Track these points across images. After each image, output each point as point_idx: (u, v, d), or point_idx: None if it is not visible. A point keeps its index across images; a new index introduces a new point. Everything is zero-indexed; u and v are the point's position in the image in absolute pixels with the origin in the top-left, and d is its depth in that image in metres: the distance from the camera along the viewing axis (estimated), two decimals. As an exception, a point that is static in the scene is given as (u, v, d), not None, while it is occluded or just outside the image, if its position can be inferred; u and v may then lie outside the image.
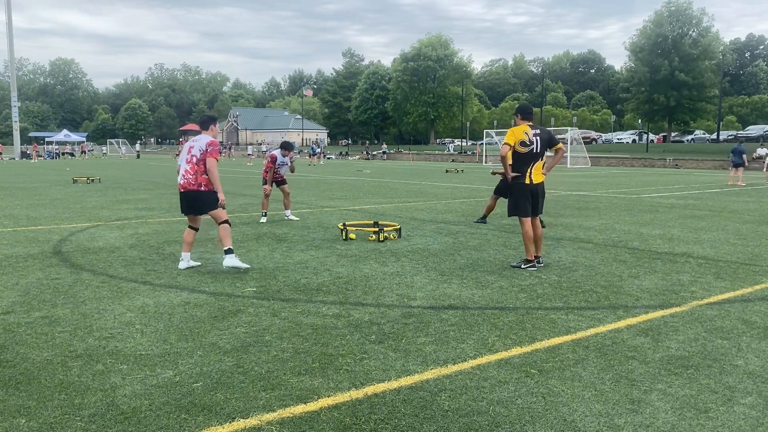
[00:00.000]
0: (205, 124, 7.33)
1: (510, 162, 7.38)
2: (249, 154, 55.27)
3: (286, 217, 12.06)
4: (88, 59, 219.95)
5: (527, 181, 7.35)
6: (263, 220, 11.79)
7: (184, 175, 7.07)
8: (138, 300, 5.87)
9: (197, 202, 7.06)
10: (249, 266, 7.23)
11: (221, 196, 7.10)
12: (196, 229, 7.34)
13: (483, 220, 11.72)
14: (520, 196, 7.39)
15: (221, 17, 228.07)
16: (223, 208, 7.18)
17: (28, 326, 5.03)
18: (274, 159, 12.28)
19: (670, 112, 66.66)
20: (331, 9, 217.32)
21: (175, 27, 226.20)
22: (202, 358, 4.34)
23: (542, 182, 7.52)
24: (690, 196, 17.82)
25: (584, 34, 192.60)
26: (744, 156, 24.20)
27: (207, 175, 6.96)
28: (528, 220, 7.40)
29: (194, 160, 7.01)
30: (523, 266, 7.36)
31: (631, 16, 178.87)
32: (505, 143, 7.37)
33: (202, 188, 6.97)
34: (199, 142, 7.09)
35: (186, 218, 7.44)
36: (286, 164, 12.63)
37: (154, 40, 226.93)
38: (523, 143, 7.29)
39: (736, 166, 24.10)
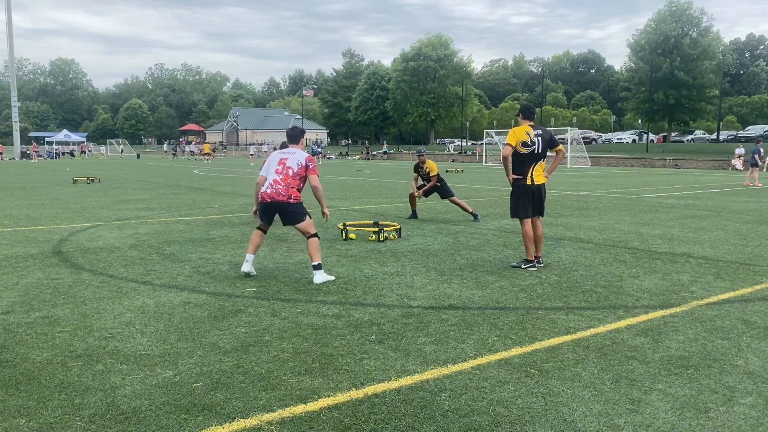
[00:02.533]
0: (296, 138, 7.14)
1: (510, 163, 7.37)
2: (251, 154, 55.03)
3: None
4: (90, 59, 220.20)
5: (528, 182, 7.34)
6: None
7: (272, 185, 6.79)
8: (138, 300, 5.87)
9: (285, 214, 6.84)
10: (334, 278, 6.91)
11: (326, 210, 7.12)
12: (265, 232, 7.10)
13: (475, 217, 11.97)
14: (521, 198, 7.39)
15: (225, 17, 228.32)
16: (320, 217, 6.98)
17: (28, 326, 5.03)
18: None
19: (670, 111, 66.67)
20: (335, 9, 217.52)
21: (179, 27, 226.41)
22: (202, 358, 4.34)
23: (543, 183, 7.51)
24: (690, 196, 17.82)
25: (587, 34, 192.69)
26: (756, 156, 24.09)
27: (298, 191, 6.85)
28: (528, 221, 7.40)
29: (290, 172, 6.80)
30: (523, 266, 7.37)
31: (634, 16, 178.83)
32: (507, 144, 7.35)
33: (292, 200, 6.79)
34: (296, 156, 6.89)
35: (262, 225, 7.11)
36: None
37: (157, 40, 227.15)
38: (524, 144, 7.27)
39: (753, 165, 24.04)
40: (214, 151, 69.53)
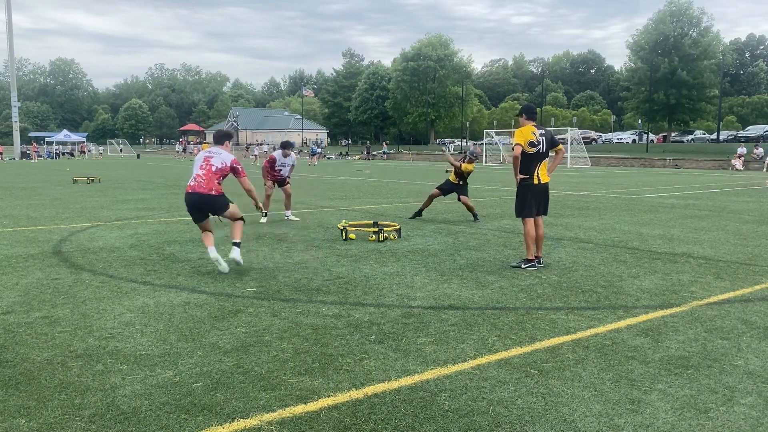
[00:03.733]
0: (221, 140, 7.60)
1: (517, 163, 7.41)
2: (255, 154, 53.68)
3: (286, 218, 12.01)
4: (90, 59, 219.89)
5: (535, 182, 7.40)
6: (263, 220, 11.76)
7: (195, 178, 7.23)
8: (138, 300, 5.87)
9: (210, 205, 7.24)
10: (244, 263, 7.37)
11: (260, 205, 8.05)
12: (210, 231, 7.38)
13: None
14: (528, 197, 7.44)
15: (226, 17, 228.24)
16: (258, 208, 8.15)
17: (28, 326, 5.03)
18: (272, 161, 12.19)
19: (670, 111, 66.67)
20: (336, 9, 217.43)
21: (180, 27, 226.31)
22: (202, 358, 4.34)
23: (548, 182, 7.58)
24: (690, 196, 17.82)
25: (588, 34, 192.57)
26: None
27: (220, 185, 7.29)
28: (531, 221, 7.43)
29: (213, 169, 7.26)
30: (523, 266, 7.37)
31: (635, 16, 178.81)
32: (517, 143, 7.40)
33: (213, 192, 7.19)
34: (221, 156, 7.36)
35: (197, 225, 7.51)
36: (288, 165, 12.41)
37: (157, 40, 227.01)
38: (531, 143, 7.35)
39: None
40: None
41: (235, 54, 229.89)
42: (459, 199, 12.29)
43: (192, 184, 7.26)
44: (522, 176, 7.41)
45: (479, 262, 7.76)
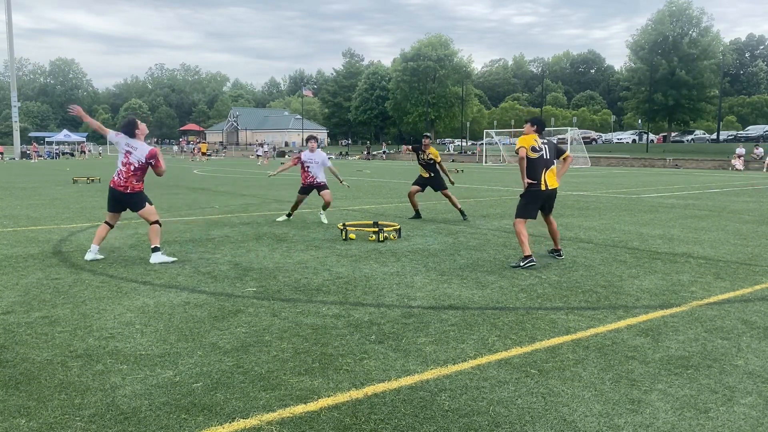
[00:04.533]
0: (129, 129, 7.71)
1: (525, 167, 7.65)
2: (259, 155, 52.71)
3: (319, 217, 11.60)
4: (90, 59, 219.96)
5: (543, 188, 7.66)
6: (281, 219, 11.60)
7: (117, 174, 7.66)
8: (138, 300, 5.87)
9: (127, 202, 7.71)
10: (176, 258, 7.79)
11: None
12: (112, 227, 7.90)
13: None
14: (531, 201, 7.72)
15: (226, 17, 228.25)
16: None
17: (28, 326, 5.03)
18: (300, 160, 11.43)
19: (670, 111, 66.67)
20: (336, 9, 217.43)
21: (181, 27, 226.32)
22: (202, 358, 4.34)
23: (556, 188, 7.83)
24: (690, 196, 17.82)
25: (589, 34, 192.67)
26: None
27: (138, 181, 7.64)
28: (524, 222, 7.63)
29: (131, 168, 7.62)
30: (522, 264, 7.40)
31: (635, 16, 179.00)
32: (521, 147, 7.65)
33: (128, 191, 7.62)
34: (138, 152, 7.62)
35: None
36: (316, 162, 11.34)
37: (157, 40, 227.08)
38: (533, 149, 7.64)
39: None
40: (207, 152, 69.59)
41: (235, 54, 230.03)
42: (442, 193, 12.37)
43: (114, 179, 7.68)
44: (530, 181, 7.61)
45: (479, 262, 7.76)
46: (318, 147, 11.68)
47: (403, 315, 5.41)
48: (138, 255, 8.14)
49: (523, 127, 8.21)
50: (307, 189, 11.63)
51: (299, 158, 11.57)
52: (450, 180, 12.61)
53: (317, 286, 6.44)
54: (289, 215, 11.77)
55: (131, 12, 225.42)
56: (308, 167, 11.47)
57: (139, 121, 7.86)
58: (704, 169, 38.75)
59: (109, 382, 3.88)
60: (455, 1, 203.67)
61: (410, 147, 12.59)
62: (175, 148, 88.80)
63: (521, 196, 7.81)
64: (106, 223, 7.81)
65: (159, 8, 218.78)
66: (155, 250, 7.65)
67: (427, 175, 12.25)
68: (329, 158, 11.94)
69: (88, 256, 7.74)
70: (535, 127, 7.85)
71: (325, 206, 11.59)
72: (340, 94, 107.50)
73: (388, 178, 28.01)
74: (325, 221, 11.41)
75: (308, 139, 11.78)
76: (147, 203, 7.71)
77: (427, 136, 12.45)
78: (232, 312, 5.47)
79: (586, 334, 4.90)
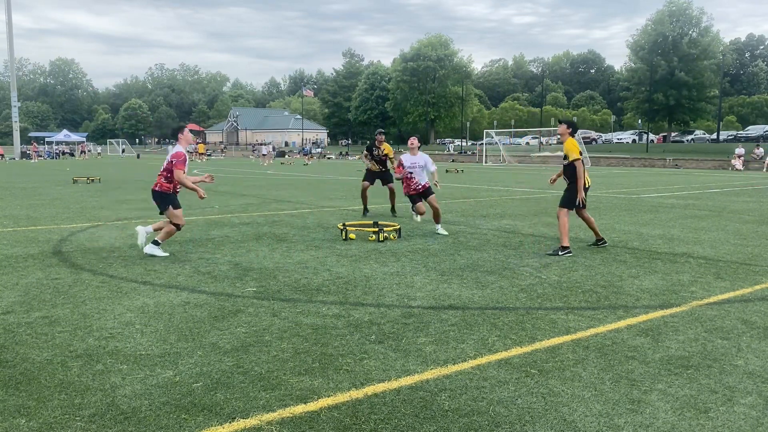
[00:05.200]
0: (174, 134, 8.59)
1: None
2: (263, 154, 52.30)
3: (436, 232, 10.03)
4: (90, 59, 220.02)
5: (587, 185, 8.63)
6: (417, 218, 10.53)
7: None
8: (138, 300, 5.87)
9: (154, 198, 8.16)
10: (167, 254, 8.06)
11: (200, 191, 7.99)
12: (179, 227, 8.19)
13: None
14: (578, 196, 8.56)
15: (226, 17, 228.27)
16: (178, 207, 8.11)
17: (28, 326, 5.03)
18: (402, 164, 10.21)
19: (669, 111, 66.68)
20: (336, 9, 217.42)
21: (181, 27, 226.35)
22: (202, 358, 4.34)
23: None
24: (690, 196, 17.82)
25: (589, 34, 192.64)
26: None
27: (166, 181, 7.97)
28: (569, 213, 8.52)
29: (162, 167, 8.06)
30: (560, 253, 8.18)
31: (636, 16, 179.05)
32: (576, 159, 8.42)
33: (157, 188, 8.05)
34: (170, 153, 8.12)
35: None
36: (420, 167, 10.09)
37: (158, 40, 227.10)
38: (581, 152, 8.64)
39: None
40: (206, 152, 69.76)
41: (235, 54, 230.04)
42: (388, 187, 12.72)
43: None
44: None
45: (479, 262, 7.76)
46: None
47: (403, 315, 5.41)
48: (138, 255, 8.14)
49: (557, 128, 9.08)
50: (416, 195, 10.21)
51: (401, 163, 10.16)
52: (397, 177, 12.75)
53: (317, 286, 6.44)
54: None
55: (132, 12, 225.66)
56: (410, 173, 10.18)
57: (186, 129, 8.45)
58: (704, 169, 38.74)
59: (109, 382, 3.88)
60: (456, 1, 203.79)
61: (366, 153, 12.89)
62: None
63: (572, 190, 8.47)
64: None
65: (160, 8, 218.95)
66: (155, 243, 8.04)
67: (377, 170, 12.65)
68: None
69: (147, 250, 8.10)
70: (571, 129, 8.66)
71: (436, 215, 10.14)
72: (340, 94, 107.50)
73: (388, 178, 28.00)
74: (445, 233, 9.98)
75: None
76: (172, 206, 7.97)
77: (381, 133, 12.85)
78: (232, 312, 5.47)
79: (586, 334, 4.90)
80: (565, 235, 8.36)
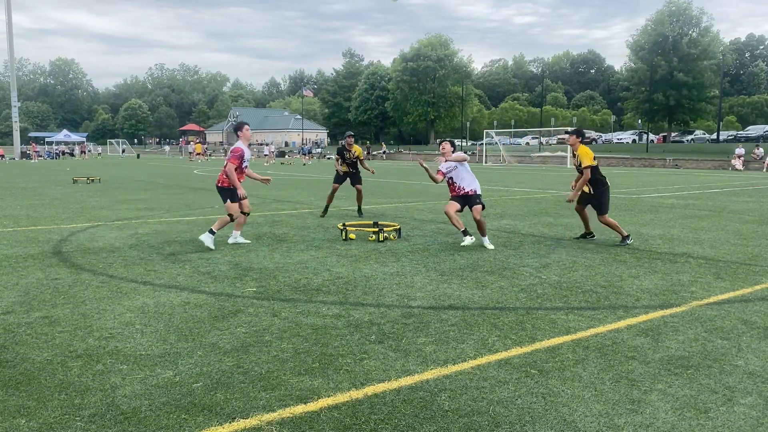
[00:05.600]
0: (234, 132, 8.94)
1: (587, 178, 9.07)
2: (265, 155, 52.13)
3: (485, 245, 8.80)
4: (90, 59, 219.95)
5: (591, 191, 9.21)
6: (466, 242, 8.96)
7: None
8: (138, 300, 5.87)
9: (218, 194, 8.77)
10: (213, 248, 8.50)
11: (241, 192, 8.53)
12: (245, 214, 8.88)
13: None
14: (607, 195, 9.24)
15: (227, 17, 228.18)
16: (241, 200, 8.65)
17: (28, 326, 5.03)
18: (442, 171, 8.95)
19: (669, 111, 66.66)
20: (337, 9, 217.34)
21: (181, 27, 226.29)
22: (202, 358, 4.34)
23: None
24: (690, 196, 17.82)
25: (590, 34, 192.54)
26: None
27: (225, 175, 8.51)
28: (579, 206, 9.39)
29: (224, 164, 8.57)
30: (628, 242, 9.11)
31: (636, 16, 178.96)
32: (588, 166, 8.96)
33: (218, 183, 8.69)
34: (230, 150, 8.70)
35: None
36: (453, 167, 8.89)
37: (158, 40, 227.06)
38: (594, 158, 9.13)
39: None
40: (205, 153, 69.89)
41: (235, 54, 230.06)
42: (356, 187, 12.93)
43: None
44: (602, 184, 9.13)
45: (479, 262, 7.76)
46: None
47: (403, 315, 5.41)
48: (138, 255, 8.15)
49: (565, 138, 9.52)
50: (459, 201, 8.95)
51: (442, 172, 8.96)
52: (371, 171, 13.24)
53: (317, 286, 6.44)
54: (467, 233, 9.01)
55: (132, 12, 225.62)
56: (451, 178, 8.95)
57: (246, 127, 8.79)
58: (704, 169, 38.74)
59: (109, 382, 3.88)
60: (456, 1, 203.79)
61: (337, 157, 13.05)
62: (167, 148, 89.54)
63: (604, 193, 9.15)
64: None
65: (160, 8, 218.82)
66: (211, 232, 8.57)
67: (347, 170, 12.86)
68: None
69: (231, 240, 9.03)
70: (580, 138, 9.22)
71: (480, 227, 8.82)
72: (340, 94, 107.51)
73: (388, 178, 28.00)
74: (491, 246, 8.74)
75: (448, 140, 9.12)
76: (229, 199, 8.53)
77: (351, 135, 13.06)
78: (232, 312, 5.47)
79: (586, 334, 4.90)
80: (617, 228, 9.14)
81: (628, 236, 9.21)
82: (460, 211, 8.93)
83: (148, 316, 5.35)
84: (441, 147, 9.13)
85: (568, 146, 9.59)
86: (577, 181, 9.41)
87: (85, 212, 13.18)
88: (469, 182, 8.90)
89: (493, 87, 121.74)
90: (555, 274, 7.12)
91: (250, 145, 9.03)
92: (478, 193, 8.93)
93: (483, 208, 8.89)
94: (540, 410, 3.53)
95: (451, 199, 9.01)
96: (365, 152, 64.62)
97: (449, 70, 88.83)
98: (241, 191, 8.47)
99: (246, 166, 8.69)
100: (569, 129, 11.31)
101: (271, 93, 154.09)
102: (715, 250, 8.74)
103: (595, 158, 9.12)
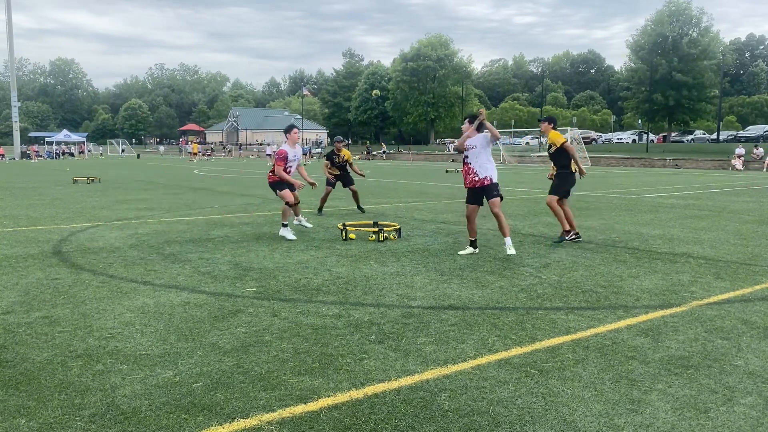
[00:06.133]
0: (285, 133, 9.82)
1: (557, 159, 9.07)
2: (268, 154, 51.69)
3: (507, 250, 8.21)
4: (91, 59, 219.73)
5: (573, 170, 9.09)
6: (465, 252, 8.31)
7: None
8: (138, 300, 5.87)
9: (271, 190, 9.99)
10: (295, 238, 9.40)
11: (296, 182, 9.62)
12: (289, 204, 9.55)
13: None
14: (568, 183, 9.06)
15: (227, 17, 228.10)
16: (291, 190, 9.59)
17: (28, 326, 5.03)
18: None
19: (669, 111, 66.62)
20: (337, 9, 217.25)
21: (181, 27, 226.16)
22: (202, 358, 4.34)
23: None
24: (690, 196, 17.81)
25: (590, 34, 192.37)
26: None
27: (273, 174, 9.57)
28: (558, 200, 8.94)
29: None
30: (566, 238, 8.92)
31: (636, 16, 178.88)
32: (560, 140, 8.98)
33: (269, 180, 9.82)
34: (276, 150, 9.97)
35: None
36: (476, 148, 8.20)
37: (158, 40, 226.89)
38: (566, 139, 9.18)
39: None
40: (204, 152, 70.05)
41: (236, 54, 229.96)
42: (350, 188, 13.34)
43: None
44: (564, 169, 8.97)
45: (479, 262, 7.76)
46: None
47: (403, 315, 5.41)
48: (138, 255, 8.15)
49: (539, 127, 9.57)
50: (475, 197, 8.18)
51: (467, 166, 8.22)
52: (360, 174, 13.88)
53: (317, 286, 6.44)
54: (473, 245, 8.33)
55: (132, 12, 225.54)
56: (467, 159, 8.15)
57: (294, 130, 9.76)
58: (704, 169, 38.73)
59: (109, 382, 3.88)
60: (457, 1, 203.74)
61: (327, 162, 13.43)
62: (161, 148, 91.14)
63: (560, 177, 9.01)
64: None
65: (160, 8, 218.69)
66: (283, 225, 9.56)
67: (338, 173, 13.28)
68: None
69: (295, 222, 10.27)
70: (552, 124, 9.17)
71: (499, 222, 8.18)
72: (340, 94, 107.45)
73: (388, 178, 28.00)
74: (512, 252, 8.11)
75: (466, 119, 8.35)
76: (279, 189, 9.61)
77: (340, 141, 13.35)
78: (232, 312, 5.47)
79: (586, 334, 4.90)
80: (562, 220, 8.87)
81: (569, 232, 8.89)
82: (479, 206, 8.14)
83: (148, 316, 5.35)
84: (464, 127, 8.42)
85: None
86: (555, 169, 9.27)
87: (85, 212, 13.18)
88: (484, 166, 8.07)
89: (493, 87, 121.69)
90: (555, 274, 7.12)
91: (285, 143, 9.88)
92: (494, 181, 8.08)
93: (501, 199, 8.11)
94: (540, 410, 3.53)
95: (466, 199, 8.29)
96: (365, 152, 64.87)
97: (449, 70, 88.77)
98: (294, 183, 9.55)
99: (291, 167, 9.67)
100: (540, 117, 11.93)
101: (271, 93, 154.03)
102: (715, 250, 8.74)
103: (567, 139, 9.22)
